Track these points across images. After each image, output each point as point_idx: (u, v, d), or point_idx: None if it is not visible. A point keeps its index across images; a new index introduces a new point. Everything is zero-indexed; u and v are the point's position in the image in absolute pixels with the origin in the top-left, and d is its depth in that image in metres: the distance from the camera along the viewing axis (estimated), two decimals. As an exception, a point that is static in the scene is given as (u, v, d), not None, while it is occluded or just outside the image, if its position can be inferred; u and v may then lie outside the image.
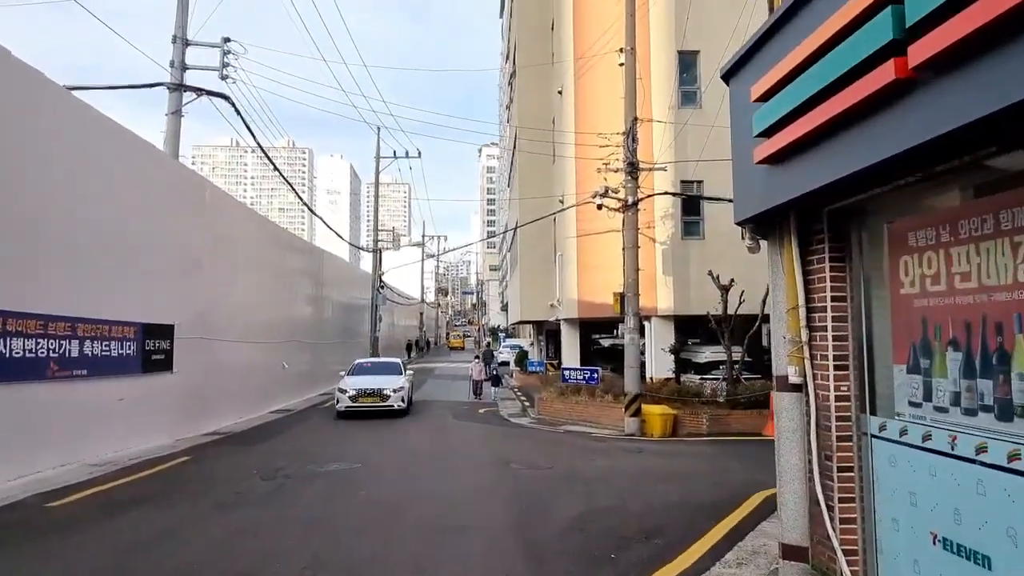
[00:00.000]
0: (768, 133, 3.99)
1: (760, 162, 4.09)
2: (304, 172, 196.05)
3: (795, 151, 3.78)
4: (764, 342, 23.85)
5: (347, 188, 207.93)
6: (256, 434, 14.56)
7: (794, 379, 4.24)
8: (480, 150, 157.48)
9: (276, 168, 20.75)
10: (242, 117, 14.65)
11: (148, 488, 9.08)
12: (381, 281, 34.58)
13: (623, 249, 16.10)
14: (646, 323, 18.96)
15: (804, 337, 4.21)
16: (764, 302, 16.32)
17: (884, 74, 2.84)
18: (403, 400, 17.19)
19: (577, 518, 7.58)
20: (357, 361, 20.26)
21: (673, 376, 18.29)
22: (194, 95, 14.92)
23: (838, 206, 4.02)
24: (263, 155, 18.22)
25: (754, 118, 4.11)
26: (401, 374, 18.71)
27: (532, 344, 37.12)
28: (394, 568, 5.74)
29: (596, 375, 18.11)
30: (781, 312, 4.37)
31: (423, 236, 59.58)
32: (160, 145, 14.79)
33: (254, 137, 16.76)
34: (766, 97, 3.96)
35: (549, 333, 32.81)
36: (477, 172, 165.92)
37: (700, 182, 18.22)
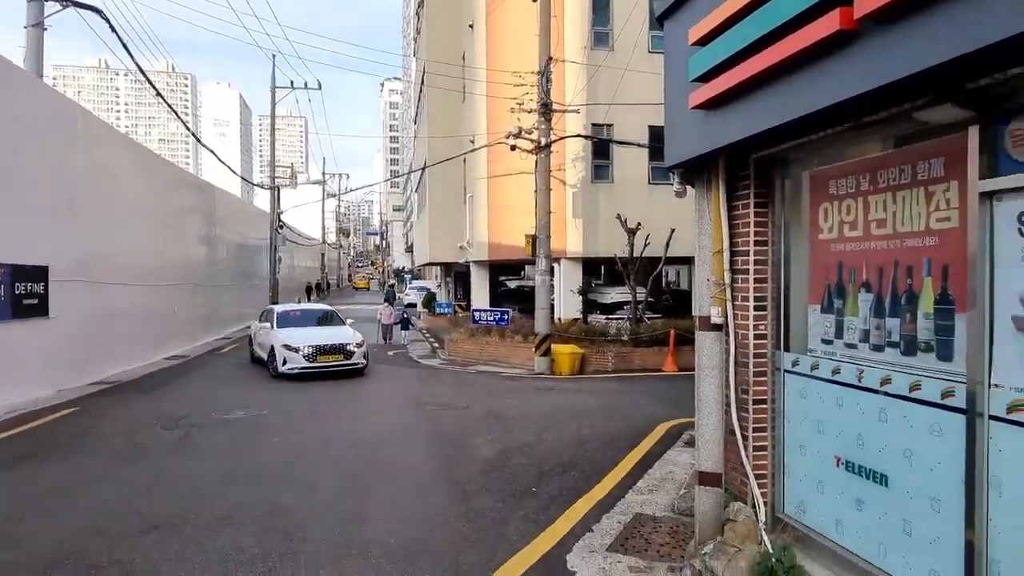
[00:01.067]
0: (705, 78, 4.02)
1: (696, 107, 4.13)
2: (187, 100, 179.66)
3: (732, 98, 3.84)
4: (664, 283, 25.02)
5: (236, 119, 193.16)
6: (151, 382, 13.71)
7: (716, 319, 4.46)
8: (382, 84, 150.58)
9: (158, 92, 18.81)
10: (117, 33, 13.02)
11: (33, 443, 8.36)
12: (280, 220, 32.87)
13: (535, 191, 16.13)
14: (555, 265, 19.31)
15: (727, 280, 4.41)
16: (667, 245, 17.04)
17: (829, 23, 2.91)
18: (364, 356, 15.08)
19: (498, 456, 7.78)
20: (277, 308, 17.31)
21: (581, 316, 18.88)
22: (59, 5, 13.08)
23: (764, 154, 4.17)
24: (142, 77, 16.36)
25: (690, 62, 4.13)
26: (344, 323, 17.01)
27: (440, 286, 36.98)
28: (320, 515, 5.67)
29: (506, 316, 18.37)
30: (706, 255, 4.54)
31: (323, 174, 56.89)
32: (19, 63, 12.95)
33: (131, 56, 15.03)
34: (704, 41, 3.98)
35: (458, 275, 32.76)
36: (379, 108, 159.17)
37: (611, 126, 18.42)
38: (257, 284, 31.43)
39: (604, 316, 19.31)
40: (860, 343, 3.62)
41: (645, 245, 17.05)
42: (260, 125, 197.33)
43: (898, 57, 2.68)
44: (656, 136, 18.63)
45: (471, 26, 21.96)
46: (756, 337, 4.31)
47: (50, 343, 12.26)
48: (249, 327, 19.24)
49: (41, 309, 12.11)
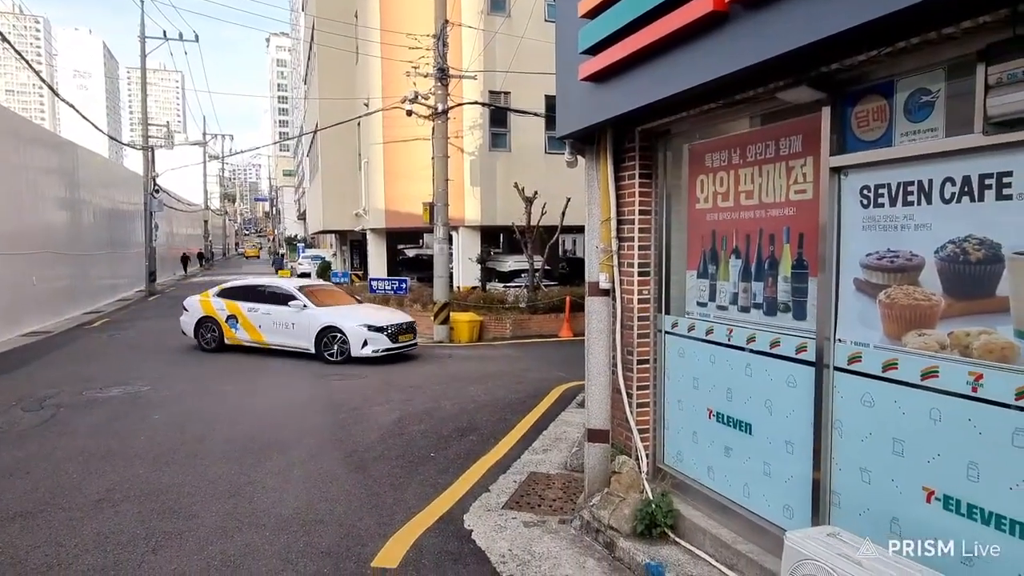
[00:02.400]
0: (593, 51, 4.14)
1: (584, 79, 4.25)
2: (39, 47, 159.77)
3: (618, 71, 3.99)
4: (561, 252, 25.67)
5: (100, 71, 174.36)
6: (5, 361, 12.44)
7: (604, 285, 4.68)
8: (268, 40, 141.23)
9: (1, 35, 16.65)
10: None
11: None
12: (155, 184, 30.37)
13: (432, 158, 15.94)
14: (454, 233, 19.28)
15: (614, 247, 4.63)
16: (563, 214, 17.47)
17: (703, 4, 3.09)
18: None
19: (395, 423, 7.79)
20: (289, 285, 13.88)
21: (480, 285, 19.05)
22: None
23: (648, 127, 4.38)
24: None
25: (580, 34, 4.23)
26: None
27: (335, 255, 35.84)
28: (209, 489, 5.47)
29: (404, 285, 18.20)
30: (595, 224, 4.73)
31: (204, 134, 52.95)
32: None
33: None
34: (593, 14, 4.08)
35: (354, 243, 31.89)
36: (266, 65, 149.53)
37: (508, 93, 18.44)
38: (132, 253, 29.03)
39: (502, 284, 19.60)
40: (730, 305, 3.95)
41: (542, 214, 17.38)
42: (129, 78, 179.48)
43: (763, 40, 2.91)
44: (552, 106, 18.76)
45: (364, -18, 21.07)
46: (640, 301, 4.57)
47: None
48: (127, 298, 17.47)
49: None
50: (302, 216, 62.47)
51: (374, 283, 18.65)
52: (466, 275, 18.98)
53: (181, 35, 30.24)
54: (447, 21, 14.98)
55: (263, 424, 7.74)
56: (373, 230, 22.40)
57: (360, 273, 29.70)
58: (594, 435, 4.84)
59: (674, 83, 3.54)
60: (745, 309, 3.84)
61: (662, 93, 3.67)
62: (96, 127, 26.02)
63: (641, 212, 4.51)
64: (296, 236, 65.04)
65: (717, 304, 4.06)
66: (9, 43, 17.54)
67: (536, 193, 17.20)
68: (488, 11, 18.25)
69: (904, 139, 2.85)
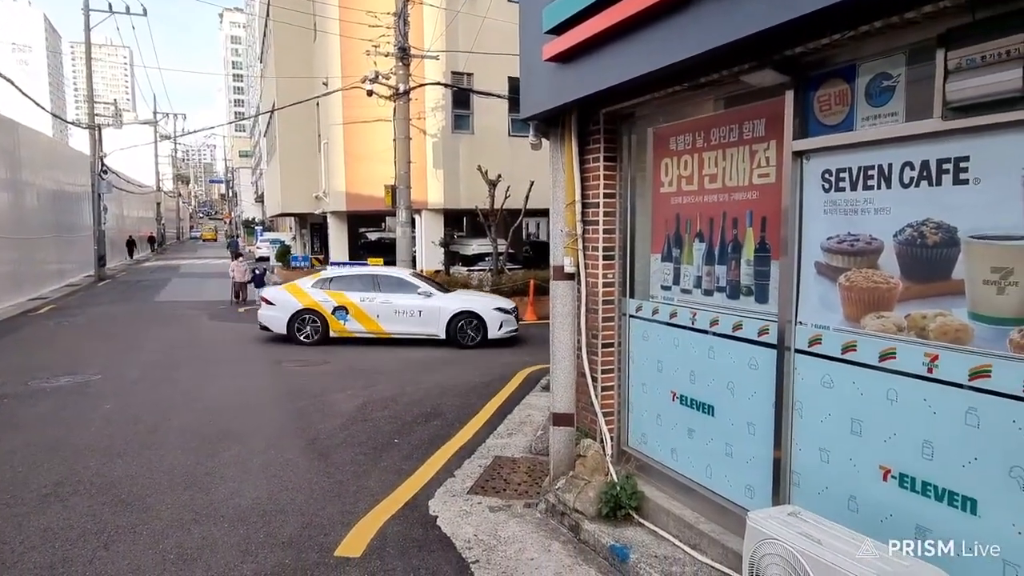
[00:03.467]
0: (558, 31, 4.07)
1: (549, 60, 4.18)
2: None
3: (583, 51, 3.93)
4: (525, 235, 25.63)
5: (42, 45, 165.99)
6: (-55, 351, 11.85)
7: (569, 268, 4.65)
8: (221, 15, 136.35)
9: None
10: None
11: None
12: (103, 164, 29.14)
13: (394, 140, 15.69)
14: (417, 216, 19.04)
15: (579, 231, 4.60)
16: (527, 197, 17.41)
17: (671, -17, 3.05)
18: None
19: (359, 409, 7.69)
20: (403, 274, 13.13)
21: (443, 268, 18.90)
22: None
23: (613, 109, 4.34)
24: None
25: (544, 13, 4.15)
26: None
27: (295, 238, 35.10)
28: (164, 481, 5.30)
29: (366, 269, 17.96)
30: (560, 207, 4.69)
31: (154, 113, 50.99)
32: None
33: None
34: (558, -7, 4.01)
35: (314, 226, 31.25)
36: (219, 42, 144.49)
37: (471, 75, 18.20)
38: (80, 236, 27.85)
39: (466, 268, 19.48)
40: (694, 289, 3.97)
41: (506, 197, 17.30)
42: (73, 53, 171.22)
43: (730, 21, 2.88)
44: (515, 88, 18.71)
45: (321, -43, 20.40)
46: (605, 285, 4.56)
47: None
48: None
49: None
50: (260, 198, 60.87)
51: (334, 268, 18.35)
52: (429, 259, 18.78)
53: (128, 8, 28.94)
54: (408, -1, 14.67)
55: (219, 412, 7.54)
56: (334, 213, 21.97)
57: (321, 257, 29.15)
58: (559, 419, 4.84)
59: (640, 64, 3.50)
60: (709, 292, 3.86)
61: (628, 75, 3.62)
62: (38, 104, 24.75)
63: (606, 195, 4.49)
64: (254, 219, 63.44)
65: (681, 288, 4.08)
66: None
67: (500, 176, 17.10)
68: (451, -11, 17.92)
69: (865, 123, 2.87)
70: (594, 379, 4.65)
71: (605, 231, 4.51)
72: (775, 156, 3.36)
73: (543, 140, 5.02)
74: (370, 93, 15.08)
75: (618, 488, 4.14)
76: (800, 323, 3.20)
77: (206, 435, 6.62)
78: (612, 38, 3.67)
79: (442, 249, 19.18)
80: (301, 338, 12.39)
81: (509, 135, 19.19)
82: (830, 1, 2.44)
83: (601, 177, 4.47)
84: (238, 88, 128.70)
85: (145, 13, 29.56)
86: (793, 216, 3.18)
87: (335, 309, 12.40)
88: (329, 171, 21.19)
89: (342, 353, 11.53)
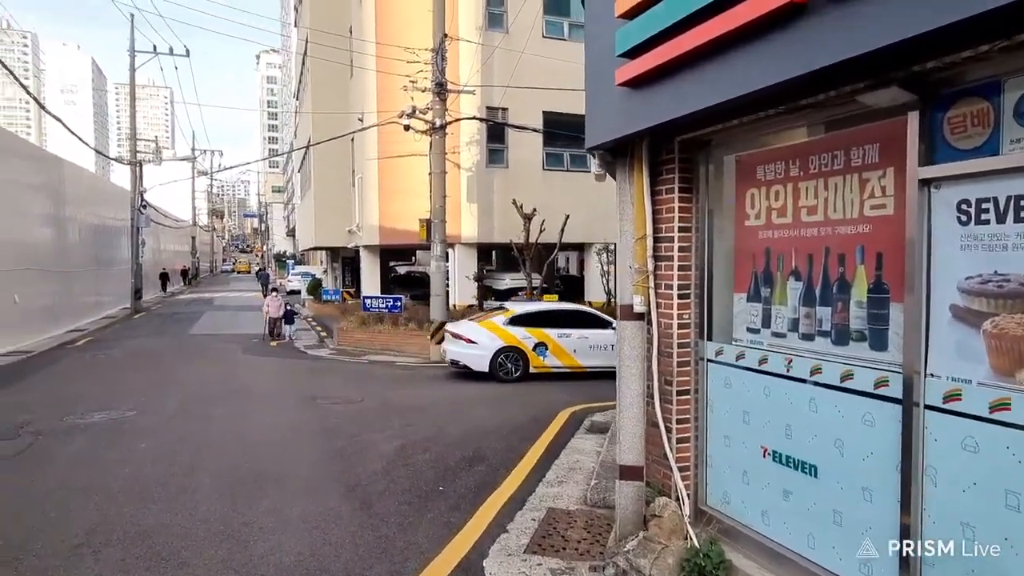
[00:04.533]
0: (632, 54, 3.80)
1: (622, 85, 3.90)
2: (27, 62, 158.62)
3: (660, 75, 3.64)
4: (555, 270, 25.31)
5: (89, 86, 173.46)
6: (-17, 384, 11.83)
7: (639, 308, 4.29)
8: (258, 57, 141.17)
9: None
10: None
11: None
12: (142, 199, 29.77)
13: (429, 174, 15.59)
14: (450, 251, 18.88)
15: (650, 267, 4.25)
16: (562, 231, 17.16)
17: (778, -4, 2.74)
18: None
19: (398, 452, 7.32)
20: (531, 309, 13.15)
21: (476, 303, 18.63)
22: None
23: (689, 137, 4.03)
24: None
25: (617, 36, 3.88)
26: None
27: (326, 272, 35.28)
28: (200, 532, 4.97)
29: (399, 303, 17.76)
30: (628, 242, 4.36)
31: (192, 150, 52.38)
32: None
33: None
34: (633, 14, 3.74)
35: (345, 260, 31.39)
36: (256, 83, 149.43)
37: (505, 109, 18.18)
38: (117, 270, 28.33)
39: (498, 303, 19.22)
40: (789, 332, 3.57)
41: (540, 231, 17.06)
42: (117, 94, 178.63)
43: (848, 35, 2.56)
44: (551, 122, 18.67)
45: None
46: (680, 326, 4.18)
47: None
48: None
49: None
50: (291, 232, 61.81)
51: (368, 301, 18.19)
52: (462, 293, 18.52)
53: (171, 49, 29.85)
54: (446, 35, 14.72)
55: (256, 454, 7.24)
56: (366, 247, 21.95)
57: (352, 291, 29.18)
58: (627, 472, 4.42)
59: (731, 87, 3.18)
60: (808, 337, 3.46)
61: (715, 99, 3.31)
62: (82, 140, 25.46)
63: (681, 229, 4.14)
64: (285, 252, 64.34)
65: (772, 331, 3.68)
66: (11, 72, 17.15)
67: (535, 210, 16.89)
68: (486, 27, 18.05)
69: (1016, 147, 2.50)
70: (668, 429, 4.24)
71: (680, 268, 4.15)
72: (893, 185, 2.99)
73: (607, 173, 4.71)
74: (407, 128, 15.07)
75: (701, 555, 3.69)
76: (931, 375, 2.78)
77: (242, 478, 6.31)
78: (696, 60, 3.37)
79: (475, 283, 18.93)
80: (501, 375, 12.23)
81: (543, 169, 19.06)
82: (987, 8, 2.10)
83: (676, 210, 4.13)
84: (272, 126, 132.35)
85: (187, 54, 30.44)
86: (920, 252, 2.79)
87: (536, 345, 12.38)
88: (363, 205, 21.25)
89: (376, 391, 11.23)
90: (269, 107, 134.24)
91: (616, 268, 4.42)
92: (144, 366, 13.98)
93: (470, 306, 18.31)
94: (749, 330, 3.85)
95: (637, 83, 3.84)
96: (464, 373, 12.61)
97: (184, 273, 50.26)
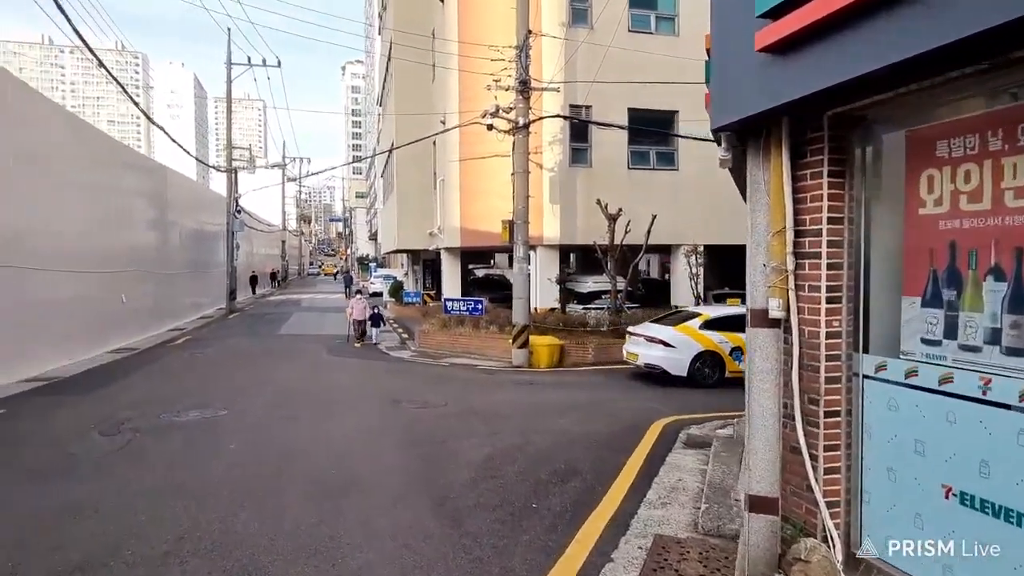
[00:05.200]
0: (777, 12, 3.20)
1: (763, 50, 3.31)
2: (138, 80, 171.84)
3: (816, 34, 3.03)
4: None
5: (191, 101, 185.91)
6: (90, 379, 12.42)
7: (775, 313, 3.67)
8: (343, 68, 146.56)
9: (104, 66, 17.20)
10: (61, 9, 11.48)
11: (-59, 456, 7.16)
12: (237, 204, 31.15)
13: (512, 174, 15.24)
14: (531, 252, 18.47)
15: (790, 265, 3.63)
16: (648, 232, 16.38)
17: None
18: None
19: (485, 462, 6.93)
20: (722, 313, 12.72)
21: (558, 306, 18.12)
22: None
23: (842, 111, 3.39)
24: (87, 51, 14.74)
25: (757, -7, 3.30)
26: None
27: (406, 274, 35.77)
28: (286, 545, 4.72)
29: (480, 305, 17.51)
30: (761, 237, 3.75)
31: (283, 156, 54.70)
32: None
33: (72, 26, 13.50)
34: (777, -36, 3.15)
35: (426, 263, 31.66)
36: (341, 92, 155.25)
37: (589, 107, 17.59)
38: (214, 272, 29.77)
39: (580, 306, 18.62)
40: (985, 345, 2.87)
41: (626, 232, 16.36)
42: (216, 108, 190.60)
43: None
44: (636, 119, 17.92)
45: (442, 0, 20.80)
46: (829, 335, 3.54)
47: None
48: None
49: (-40, 298, 10.75)
50: (373, 236, 63.46)
51: (449, 303, 18.05)
52: (543, 296, 18.02)
53: (264, 61, 31.09)
54: (530, 31, 14.33)
55: (341, 459, 7.04)
56: (447, 249, 21.90)
57: (432, 293, 29.35)
58: (758, 503, 3.80)
59: (920, 38, 2.54)
60: (1016, 352, 2.75)
61: (885, 60, 2.67)
62: (185, 150, 26.99)
63: (831, 221, 3.50)
64: (367, 256, 66.12)
65: (959, 343, 2.99)
66: (113, 77, 18.29)
67: (620, 210, 16.21)
68: (570, 23, 17.53)
69: None
70: (813, 457, 3.59)
71: (830, 266, 3.51)
72: None
73: (731, 154, 4.10)
74: (490, 127, 14.78)
75: (864, 613, 3.04)
76: None
77: (328, 485, 6.08)
78: (870, 9, 2.75)
79: (556, 286, 18.41)
80: (700, 379, 12.04)
81: (628, 168, 18.32)
82: None
83: (824, 198, 3.50)
84: (356, 134, 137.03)
85: (279, 65, 31.62)
86: None
87: (732, 350, 12.13)
88: (444, 207, 21.21)
89: (460, 395, 10.94)
90: (353, 115, 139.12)
91: (747, 267, 3.80)
92: (236, 365, 14.34)
93: (551, 309, 17.81)
94: (925, 341, 3.16)
95: (782, 47, 3.25)
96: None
97: (273, 276, 52.41)
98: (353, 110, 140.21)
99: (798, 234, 3.64)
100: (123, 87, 20.71)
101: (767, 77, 3.45)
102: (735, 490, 5.85)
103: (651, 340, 12.39)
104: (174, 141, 25.25)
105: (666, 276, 21.74)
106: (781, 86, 3.36)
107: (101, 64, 17.10)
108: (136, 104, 25.21)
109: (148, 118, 26.74)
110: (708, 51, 4.01)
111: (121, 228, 18.36)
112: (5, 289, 11.75)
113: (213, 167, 39.18)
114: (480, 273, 30.67)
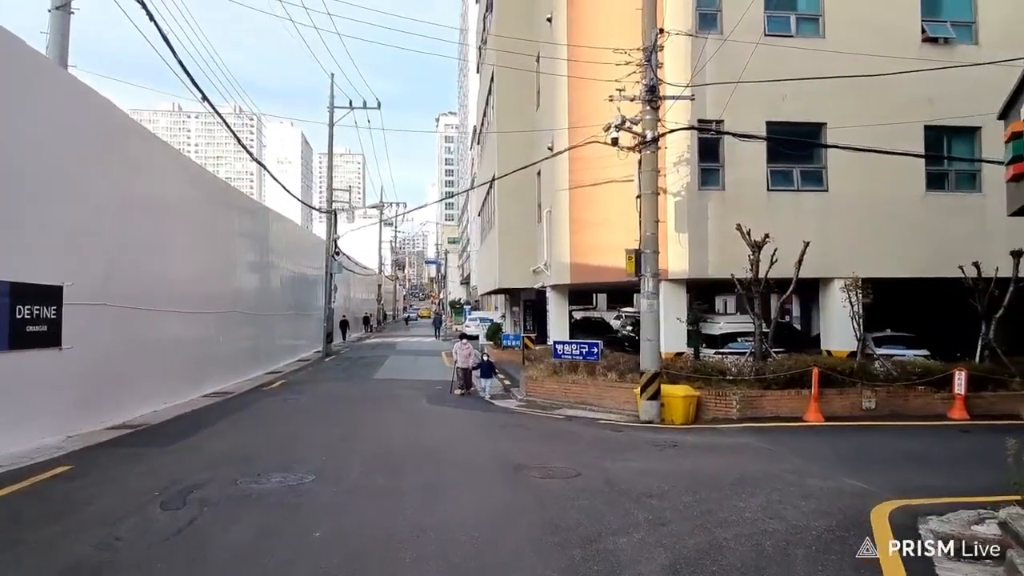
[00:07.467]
0: None
1: None
2: (252, 140, 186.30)
3: None
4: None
5: (298, 156, 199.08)
6: (177, 427, 11.24)
7: None
8: (437, 119, 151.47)
9: (224, 122, 17.07)
10: (183, 64, 10.87)
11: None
12: (336, 247, 30.88)
13: (637, 197, 13.18)
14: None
15: None
16: (799, 263, 13.72)
17: None
18: None
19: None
20: None
21: (688, 351, 15.57)
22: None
23: None
24: (215, 119, 14.56)
25: None
26: None
27: (503, 316, 34.09)
28: None
29: (596, 349, 15.26)
30: None
31: (380, 200, 55.47)
32: (42, 49, 10.98)
33: (201, 92, 13.09)
34: None
35: (526, 304, 29.84)
36: (434, 142, 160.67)
37: (721, 121, 15.32)
38: (312, 315, 29.39)
39: (712, 350, 15.90)
40: None
41: (772, 263, 13.77)
42: (320, 162, 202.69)
43: None
44: (777, 133, 15.47)
45: (549, 20, 19.42)
46: None
47: (62, 379, 9.98)
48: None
49: (51, 338, 9.84)
50: (465, 280, 62.95)
51: (559, 347, 15.87)
52: (668, 339, 15.44)
53: (365, 103, 31.13)
54: (661, 30, 12.44)
55: (459, 560, 5.01)
56: (554, 287, 19.95)
57: (532, 336, 27.34)
58: None
59: None
60: None
61: None
62: (290, 193, 27.18)
63: None
64: (459, 299, 65.59)
65: None
66: (232, 130, 18.60)
67: (767, 236, 13.68)
68: (696, 30, 15.51)
69: None
70: None
71: None
72: None
73: None
74: (614, 142, 12.87)
75: None
76: None
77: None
78: None
79: (685, 327, 15.87)
80: None
81: (768, 190, 15.75)
82: None
83: None
84: (449, 182, 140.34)
85: (379, 106, 31.59)
86: None
87: None
88: (552, 241, 19.36)
89: (590, 459, 8.72)
90: (446, 164, 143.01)
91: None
92: (329, 414, 12.88)
93: (677, 354, 15.25)
94: None
95: None
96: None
97: (366, 320, 52.05)
98: (446, 159, 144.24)
99: None
100: (239, 138, 21.13)
101: None
102: None
103: None
104: (282, 186, 25.29)
105: (815, 315, 18.67)
106: None
107: (225, 123, 17.06)
108: (257, 160, 25.92)
109: (260, 164, 27.09)
110: None
111: (224, 269, 17.81)
112: (100, 328, 10.89)
113: (315, 208, 39.87)
114: (578, 316, 28.38)
